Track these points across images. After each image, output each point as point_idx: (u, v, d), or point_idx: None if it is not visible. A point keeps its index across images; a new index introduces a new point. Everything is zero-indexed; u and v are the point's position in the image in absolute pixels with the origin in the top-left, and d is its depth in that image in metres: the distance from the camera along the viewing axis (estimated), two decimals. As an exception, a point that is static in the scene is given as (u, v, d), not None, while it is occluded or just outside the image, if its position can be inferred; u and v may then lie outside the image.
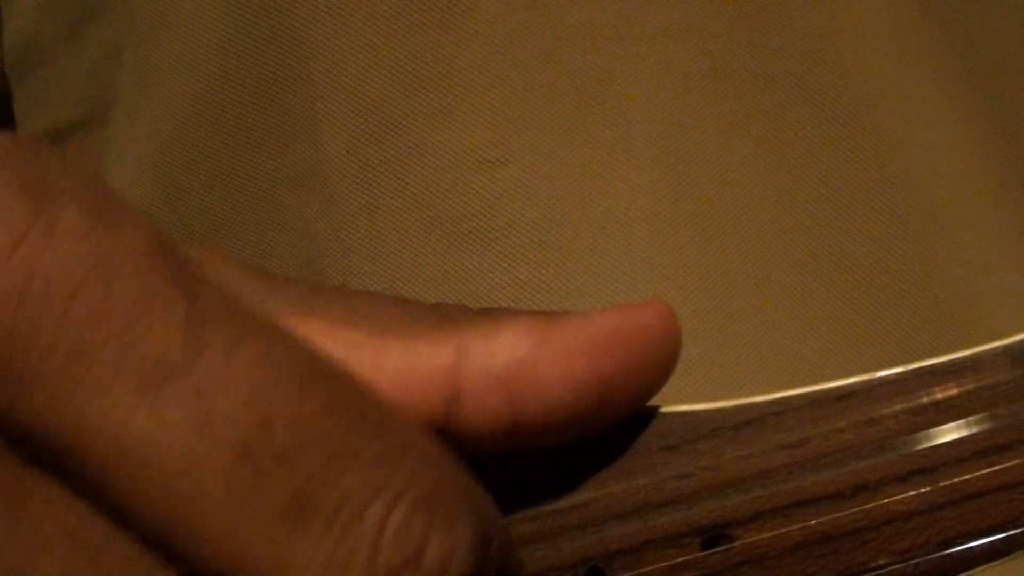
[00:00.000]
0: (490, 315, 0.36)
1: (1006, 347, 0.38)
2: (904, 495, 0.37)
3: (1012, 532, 0.37)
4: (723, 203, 0.47)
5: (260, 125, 0.48)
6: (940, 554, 0.37)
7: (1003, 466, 0.37)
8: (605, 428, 0.37)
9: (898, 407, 0.37)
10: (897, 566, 0.37)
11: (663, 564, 0.37)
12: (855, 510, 0.37)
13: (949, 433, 0.37)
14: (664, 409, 0.38)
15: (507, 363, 0.36)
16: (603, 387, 0.36)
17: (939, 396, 0.37)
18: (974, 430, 0.37)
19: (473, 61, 0.47)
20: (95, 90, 0.51)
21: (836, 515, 0.37)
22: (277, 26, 0.47)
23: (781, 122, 0.48)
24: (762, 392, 0.38)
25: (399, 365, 0.35)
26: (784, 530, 0.37)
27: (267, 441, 0.30)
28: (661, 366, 0.37)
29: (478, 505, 0.33)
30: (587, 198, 0.47)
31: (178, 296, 0.30)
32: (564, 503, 0.38)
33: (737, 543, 0.37)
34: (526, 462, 0.38)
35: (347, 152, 0.47)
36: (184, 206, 0.49)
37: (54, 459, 0.29)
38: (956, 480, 0.37)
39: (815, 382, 0.38)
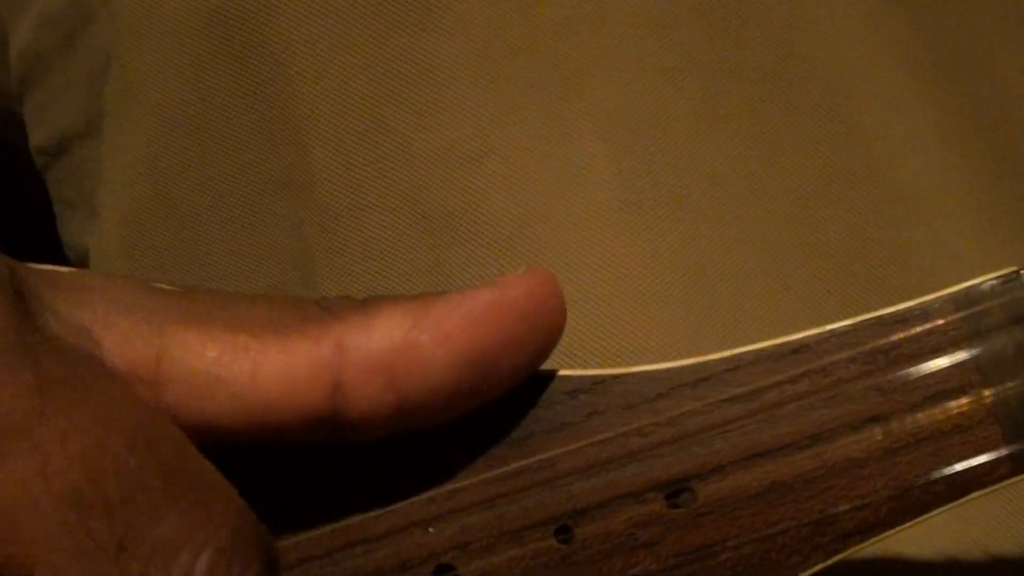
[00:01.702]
0: (367, 304, 0.38)
1: (951, 295, 0.39)
2: (859, 442, 0.38)
3: (968, 473, 0.38)
4: (699, 194, 0.47)
5: (246, 129, 0.49)
6: (898, 497, 0.38)
7: (955, 409, 0.38)
8: (502, 395, 0.38)
9: (849, 355, 0.38)
10: (858, 512, 0.38)
11: (628, 519, 0.38)
12: (812, 459, 0.38)
13: (900, 379, 0.38)
14: (622, 371, 0.39)
15: (385, 349, 0.37)
16: (484, 362, 0.38)
17: (889, 343, 0.38)
18: (924, 375, 0.38)
19: (453, 58, 0.48)
20: (91, 99, 0.53)
21: (794, 464, 0.38)
22: (259, 30, 0.48)
23: (755, 113, 0.48)
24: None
25: (280, 364, 0.37)
26: (744, 481, 0.38)
27: (96, 491, 0.34)
28: (544, 333, 0.38)
29: (267, 547, 0.36)
30: (567, 190, 0.47)
31: (24, 363, 0.35)
32: (528, 462, 0.39)
33: (699, 496, 0.38)
34: (485, 424, 0.39)
35: (332, 153, 0.48)
36: (175, 210, 0.50)
37: None
38: (909, 425, 0.38)
39: (752, 344, 0.39)
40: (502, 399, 0.39)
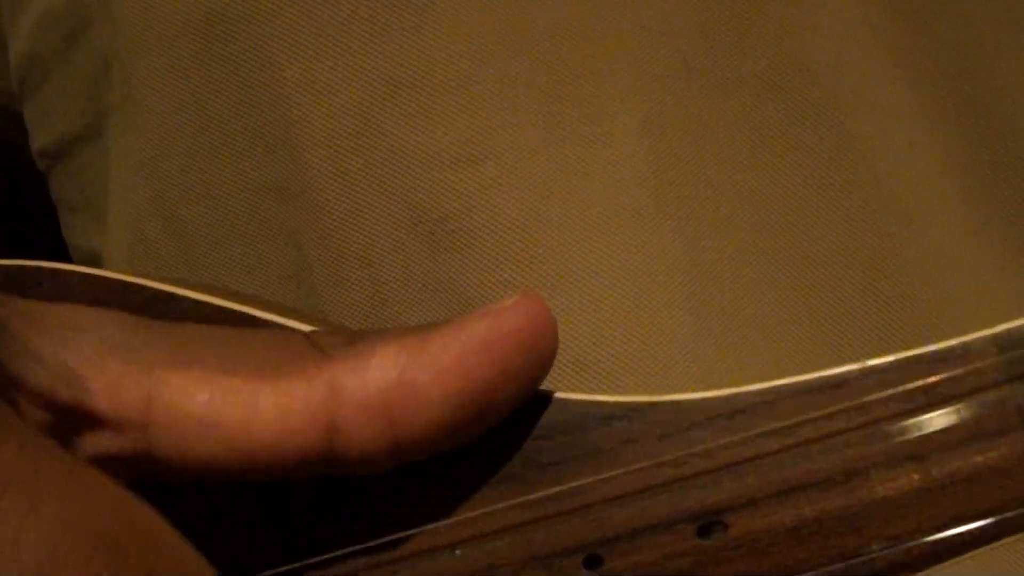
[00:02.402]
0: (361, 341, 0.37)
1: (994, 335, 0.38)
2: (895, 481, 0.38)
3: (1002, 517, 0.38)
4: (698, 200, 0.47)
5: (241, 136, 0.48)
6: (931, 539, 0.38)
7: (993, 452, 0.38)
8: (495, 423, 0.38)
9: (888, 394, 0.38)
10: (889, 551, 0.37)
11: (659, 549, 0.38)
12: (847, 496, 0.38)
13: (939, 420, 0.38)
14: (657, 398, 0.39)
15: (380, 389, 0.37)
16: (480, 396, 0.37)
17: (929, 383, 0.38)
18: (964, 416, 0.38)
19: (448, 61, 0.47)
20: (91, 103, 0.52)
21: (828, 501, 0.38)
22: (253, 35, 0.48)
23: (753, 121, 0.48)
24: (748, 383, 0.39)
25: (273, 407, 0.36)
26: (777, 516, 0.38)
27: None
28: (537, 362, 0.38)
29: None
30: (565, 195, 0.47)
31: None
32: (561, 489, 0.38)
33: (731, 529, 0.38)
34: (517, 448, 0.39)
35: (327, 159, 0.48)
36: (173, 217, 0.50)
37: None
38: (947, 466, 0.38)
39: (791, 377, 0.39)
40: (532, 421, 0.38)
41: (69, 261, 0.54)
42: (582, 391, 0.39)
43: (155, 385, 0.36)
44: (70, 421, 0.36)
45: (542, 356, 0.38)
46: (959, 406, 0.38)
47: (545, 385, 0.39)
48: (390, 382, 0.37)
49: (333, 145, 0.47)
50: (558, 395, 0.39)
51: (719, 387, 0.39)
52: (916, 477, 0.38)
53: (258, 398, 0.36)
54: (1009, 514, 0.38)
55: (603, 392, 0.40)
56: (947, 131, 0.49)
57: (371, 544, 0.38)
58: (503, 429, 0.38)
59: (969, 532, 0.37)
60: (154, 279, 0.41)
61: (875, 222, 0.48)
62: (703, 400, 0.39)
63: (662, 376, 0.46)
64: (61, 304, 0.37)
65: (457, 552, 0.38)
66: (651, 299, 0.47)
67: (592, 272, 0.47)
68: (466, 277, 0.47)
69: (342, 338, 0.38)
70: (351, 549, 0.38)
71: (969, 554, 0.38)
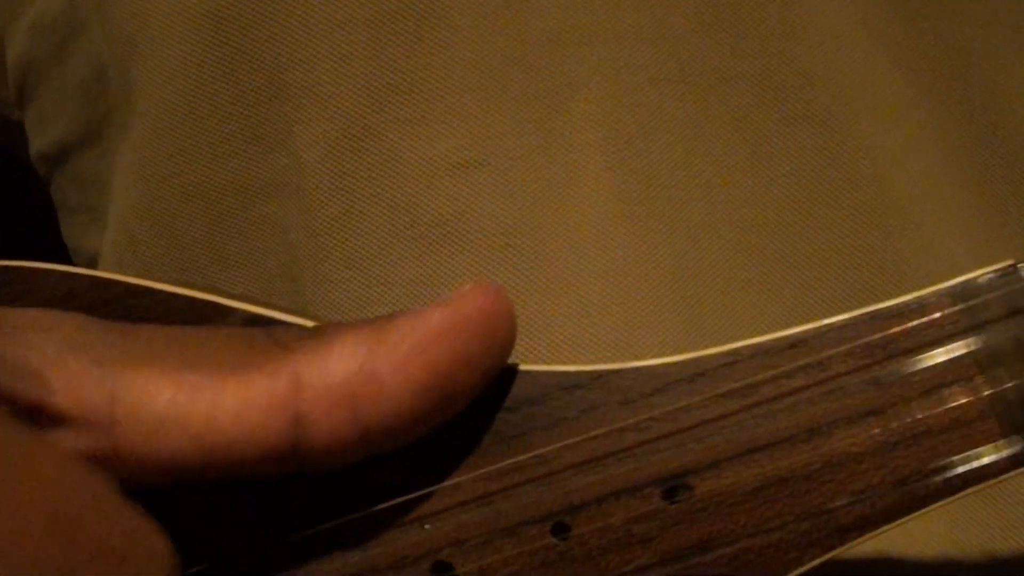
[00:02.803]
0: (321, 335, 0.38)
1: (948, 288, 0.38)
2: (856, 436, 0.38)
3: (965, 467, 0.38)
4: (693, 204, 0.47)
5: (237, 136, 0.49)
6: (896, 492, 0.38)
7: (952, 403, 0.38)
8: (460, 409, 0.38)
9: (846, 349, 0.38)
10: (855, 506, 0.38)
11: (625, 514, 0.38)
12: (809, 453, 0.38)
13: (897, 373, 0.38)
14: (619, 366, 0.39)
15: (342, 380, 0.37)
16: (442, 382, 0.37)
17: (886, 336, 0.38)
18: (921, 369, 0.38)
19: (445, 68, 0.47)
20: (87, 107, 0.52)
21: (791, 459, 0.38)
22: (252, 38, 0.48)
23: (748, 123, 0.48)
24: None
25: (236, 401, 0.37)
26: (741, 476, 0.38)
27: None
28: (497, 347, 0.38)
29: None
30: (559, 200, 0.47)
31: None
32: (525, 458, 0.39)
33: (696, 491, 0.38)
34: (481, 420, 0.39)
35: (323, 160, 0.48)
36: (162, 216, 0.50)
37: None
38: (906, 419, 0.38)
39: (750, 339, 0.39)
40: (496, 394, 0.39)
41: (67, 262, 0.55)
42: (529, 363, 0.40)
43: (118, 383, 0.37)
44: (33, 420, 0.36)
45: (500, 341, 0.38)
46: (916, 359, 0.38)
47: None
48: (351, 372, 0.37)
49: (330, 146, 0.48)
50: (521, 367, 0.39)
51: None
52: (877, 431, 0.38)
53: (221, 393, 0.37)
54: (972, 464, 0.38)
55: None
56: (945, 129, 0.49)
57: (339, 522, 0.39)
58: (469, 403, 0.39)
59: (933, 483, 0.38)
60: (128, 275, 0.41)
61: (871, 221, 0.48)
62: (664, 365, 0.39)
63: None
64: (23, 308, 0.38)
65: (426, 526, 0.38)
66: (643, 302, 0.47)
67: (584, 277, 0.47)
68: (454, 281, 0.47)
69: (303, 332, 0.38)
70: (320, 527, 0.39)
71: (933, 506, 0.38)
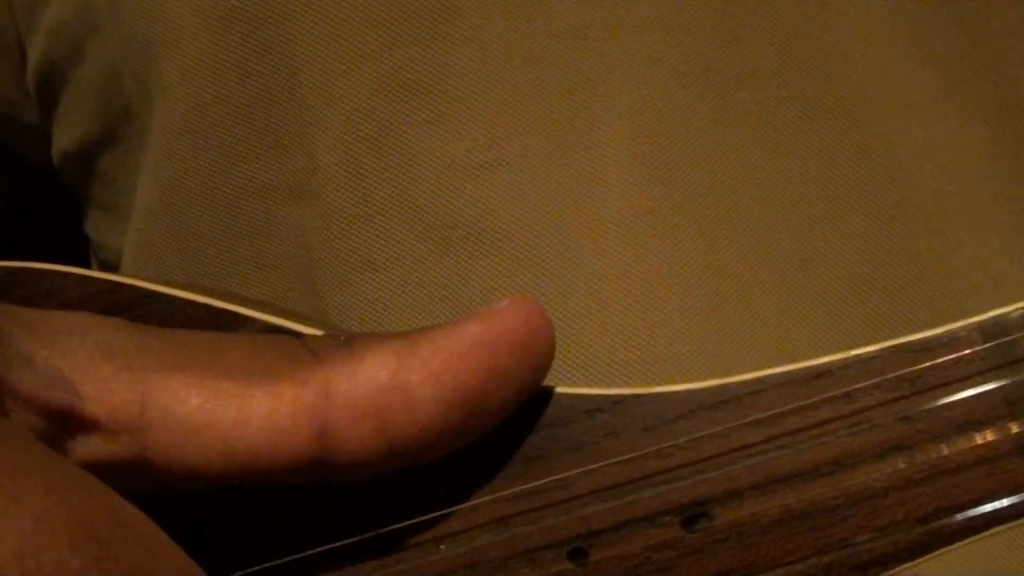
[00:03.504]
0: (353, 344, 0.37)
1: (979, 324, 0.38)
2: (881, 471, 0.37)
3: (989, 506, 0.37)
4: (713, 200, 0.47)
5: (253, 137, 0.49)
6: (919, 529, 0.37)
7: (980, 441, 0.37)
8: (492, 429, 0.38)
9: (873, 383, 0.38)
10: (877, 542, 0.37)
11: (643, 542, 0.38)
12: (833, 486, 0.37)
13: (925, 408, 0.38)
14: (642, 391, 0.39)
15: (372, 392, 0.37)
16: (473, 399, 0.37)
17: (914, 371, 0.38)
18: (949, 405, 0.38)
19: (462, 67, 0.47)
20: (104, 107, 0.52)
21: (814, 492, 0.37)
22: (267, 39, 0.48)
23: (770, 119, 0.48)
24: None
25: (265, 410, 0.37)
26: (763, 507, 0.37)
27: None
28: (531, 364, 0.38)
29: None
30: (580, 199, 0.47)
31: None
32: (544, 482, 0.38)
33: (716, 521, 0.38)
34: (501, 442, 0.38)
35: (340, 162, 0.48)
36: (178, 219, 0.50)
37: None
38: (933, 455, 0.37)
39: (775, 367, 0.38)
40: (519, 417, 0.38)
41: (70, 263, 0.54)
42: (553, 385, 0.39)
43: (148, 389, 0.36)
44: (64, 426, 0.36)
45: (537, 358, 0.38)
46: (945, 394, 0.38)
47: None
48: (381, 384, 0.37)
49: (348, 147, 0.47)
50: (543, 388, 0.39)
51: None
52: (902, 467, 0.37)
53: (250, 401, 0.37)
54: (997, 504, 0.37)
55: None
56: (973, 126, 0.49)
57: (356, 540, 0.38)
58: None
59: (956, 522, 0.37)
60: (145, 280, 0.41)
61: (893, 220, 0.48)
62: (687, 392, 0.38)
63: (675, 380, 0.46)
64: (54, 310, 0.38)
65: (441, 547, 0.38)
66: (666, 301, 0.47)
67: (606, 276, 0.47)
68: (474, 283, 0.47)
69: (334, 341, 0.38)
70: (336, 545, 0.38)
71: (957, 544, 0.37)
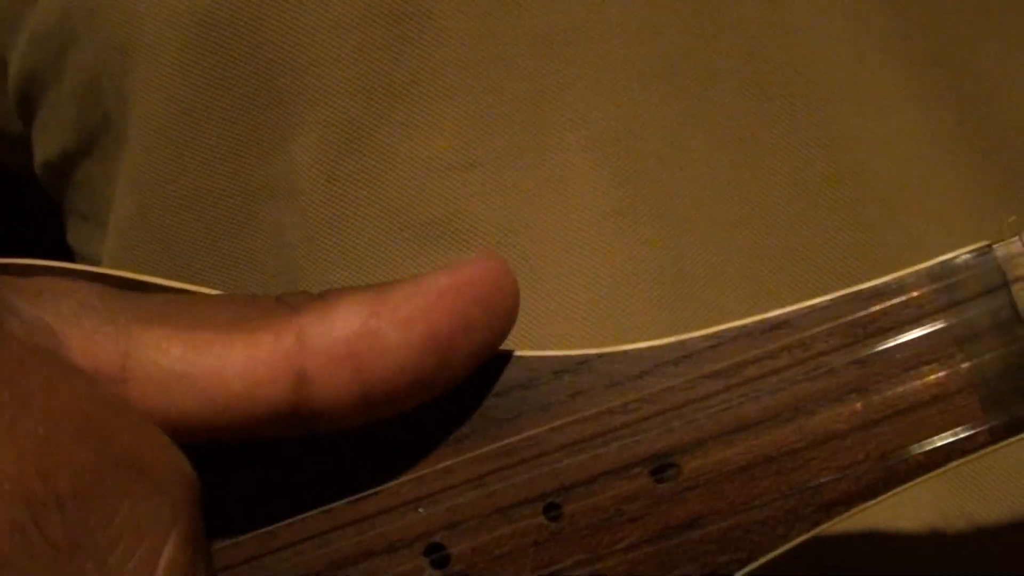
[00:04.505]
0: (326, 296, 0.39)
1: (926, 268, 0.39)
2: (840, 414, 0.39)
3: (945, 442, 0.38)
4: (681, 200, 0.48)
5: (232, 140, 0.50)
6: (879, 467, 0.38)
7: (933, 380, 0.39)
8: (459, 382, 0.39)
9: (828, 328, 0.39)
10: (839, 482, 0.38)
11: (614, 494, 0.39)
12: (794, 431, 0.39)
13: (878, 351, 0.39)
14: (606, 350, 0.40)
15: (346, 338, 0.38)
16: (442, 345, 0.38)
17: (866, 315, 0.39)
18: (902, 346, 0.39)
19: (435, 70, 0.48)
20: (84, 116, 0.53)
21: (776, 437, 0.39)
22: (243, 44, 0.49)
23: (733, 119, 0.49)
24: None
25: (243, 358, 0.38)
26: (728, 455, 0.39)
27: (47, 489, 0.34)
28: (498, 316, 0.39)
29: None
30: (550, 199, 0.48)
31: None
32: (514, 440, 0.39)
33: (683, 470, 0.39)
34: (471, 404, 0.40)
35: (317, 162, 0.49)
36: (157, 224, 0.51)
37: None
38: (889, 396, 0.39)
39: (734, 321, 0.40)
40: (487, 379, 0.39)
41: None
42: (519, 349, 0.40)
43: (131, 342, 0.37)
44: None
45: (501, 309, 0.39)
46: (897, 337, 0.39)
47: None
48: (354, 331, 0.38)
49: (325, 149, 0.49)
50: (509, 352, 0.40)
51: None
52: (859, 408, 0.39)
53: (229, 349, 0.38)
54: (952, 438, 0.38)
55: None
56: (934, 120, 0.50)
57: (334, 505, 0.39)
58: (460, 388, 0.39)
59: (914, 458, 0.38)
60: (130, 272, 0.42)
61: (857, 214, 0.49)
62: (650, 348, 0.40)
63: None
64: (38, 276, 0.39)
65: (420, 510, 0.39)
66: (631, 299, 0.48)
67: (575, 274, 0.48)
68: None
69: (308, 295, 0.39)
70: (314, 511, 0.39)
71: (916, 481, 0.39)
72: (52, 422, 0.34)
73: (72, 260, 0.58)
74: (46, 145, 0.55)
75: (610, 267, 0.48)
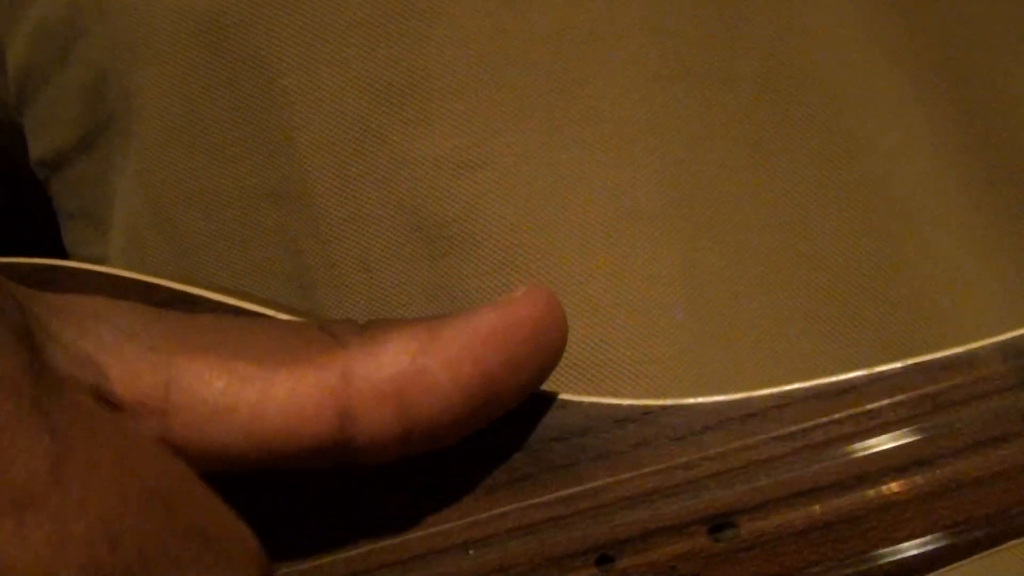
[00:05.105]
0: (372, 329, 0.38)
1: (1000, 343, 0.39)
2: (902, 485, 0.38)
3: (1005, 522, 0.38)
4: (695, 202, 0.48)
5: (239, 142, 0.49)
6: (937, 543, 0.38)
7: (996, 457, 0.38)
8: (501, 417, 0.39)
9: (896, 400, 0.39)
10: (896, 555, 0.38)
11: (670, 551, 0.38)
12: (855, 499, 0.38)
13: (945, 426, 0.39)
14: (670, 402, 0.39)
15: (393, 376, 0.37)
16: (490, 385, 0.38)
17: (936, 390, 0.39)
18: (968, 422, 0.39)
19: (446, 67, 0.48)
20: (86, 113, 0.52)
21: (837, 504, 0.38)
22: (251, 44, 0.48)
23: (750, 123, 0.48)
24: (747, 384, 0.40)
25: (286, 393, 0.37)
26: (787, 518, 0.38)
27: (115, 557, 0.33)
28: (546, 354, 0.39)
29: None
30: (564, 199, 0.47)
31: (41, 428, 0.33)
32: (574, 490, 0.39)
33: (742, 530, 0.38)
34: (531, 450, 0.39)
35: (327, 164, 0.48)
36: (169, 225, 0.50)
37: None
38: (951, 471, 0.38)
39: (789, 380, 0.39)
40: (547, 423, 0.39)
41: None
42: (582, 395, 0.40)
43: (173, 371, 0.37)
44: None
45: (550, 347, 0.39)
46: (964, 412, 0.39)
47: (556, 389, 0.40)
48: (402, 369, 0.37)
49: (334, 150, 0.48)
50: (572, 398, 0.39)
51: (719, 388, 0.40)
52: (921, 481, 0.38)
53: (273, 384, 0.37)
54: (1013, 519, 0.38)
55: (608, 396, 0.40)
56: (945, 129, 0.50)
57: (384, 542, 0.38)
58: (518, 431, 0.39)
59: (974, 536, 0.38)
60: (176, 282, 0.41)
61: (873, 222, 0.49)
62: (715, 404, 0.39)
63: (661, 379, 0.47)
64: (79, 295, 0.38)
65: (471, 552, 0.38)
66: (650, 302, 0.47)
67: (590, 276, 0.47)
68: (465, 282, 0.47)
69: (354, 327, 0.38)
70: (365, 548, 0.39)
71: (974, 557, 0.38)
72: (121, 489, 0.34)
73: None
74: (41, 139, 0.54)
75: (627, 269, 0.47)
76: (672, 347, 0.47)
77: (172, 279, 0.49)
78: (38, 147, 0.54)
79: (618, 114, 0.48)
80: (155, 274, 0.50)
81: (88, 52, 0.51)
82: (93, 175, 0.53)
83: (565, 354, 0.46)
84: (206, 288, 0.41)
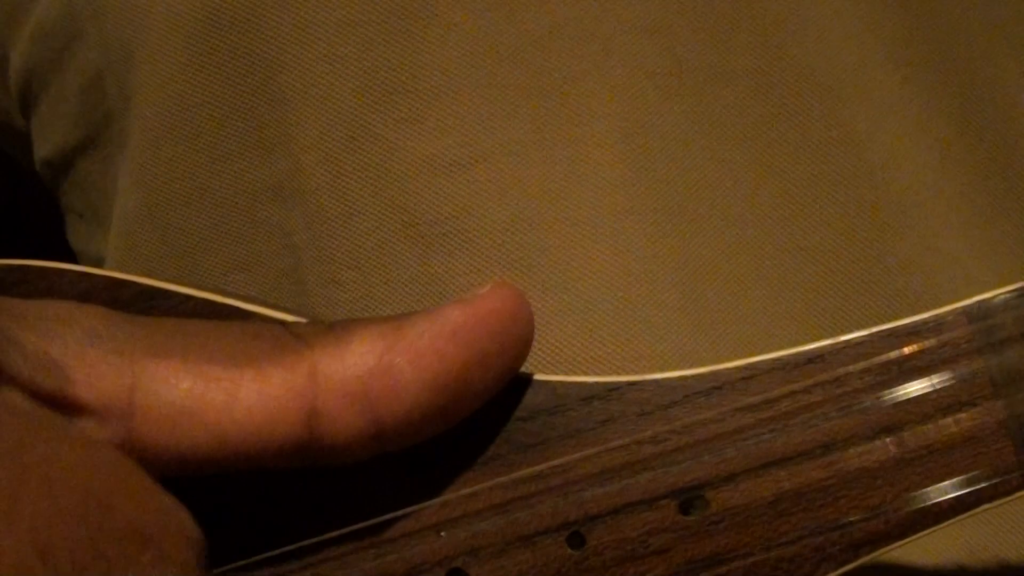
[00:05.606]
0: (339, 329, 0.38)
1: (965, 308, 0.39)
2: (871, 452, 0.38)
3: (977, 486, 0.38)
4: (691, 198, 0.48)
5: (235, 140, 0.49)
6: (908, 509, 0.38)
7: (966, 422, 0.38)
8: (474, 411, 0.39)
9: (863, 367, 0.39)
10: (867, 522, 0.38)
11: (640, 526, 0.38)
12: (824, 468, 0.38)
13: (913, 391, 0.38)
14: (637, 378, 0.39)
15: (359, 375, 0.37)
16: (457, 380, 0.38)
17: (902, 355, 0.39)
18: (937, 387, 0.38)
19: (440, 66, 0.48)
20: (86, 113, 0.52)
21: (806, 474, 0.38)
22: (246, 42, 0.48)
23: (746, 118, 0.48)
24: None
25: (253, 394, 0.37)
26: (757, 490, 0.38)
27: (46, 569, 0.32)
28: (514, 348, 0.39)
29: None
30: (557, 197, 0.48)
31: None
32: (542, 467, 0.39)
33: (712, 504, 0.38)
34: (498, 430, 0.39)
35: (322, 162, 0.48)
36: (163, 221, 0.50)
37: None
38: (921, 436, 0.38)
39: (767, 353, 0.39)
40: (514, 403, 0.39)
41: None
42: (549, 375, 0.40)
43: (138, 374, 0.37)
44: (54, 410, 0.36)
45: (517, 342, 0.39)
46: (932, 377, 0.38)
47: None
48: (369, 367, 0.37)
49: (327, 148, 0.48)
50: (539, 377, 0.39)
51: None
52: (892, 448, 0.38)
53: (239, 385, 0.37)
54: (984, 483, 0.38)
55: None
56: (941, 124, 0.50)
57: (356, 527, 0.39)
58: (485, 411, 0.39)
59: (945, 501, 0.38)
60: (145, 277, 0.41)
61: (868, 215, 0.49)
62: (681, 378, 0.39)
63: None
64: (44, 299, 0.38)
65: (442, 534, 0.39)
66: (643, 298, 0.47)
67: (583, 273, 0.47)
68: (456, 279, 0.47)
69: (321, 327, 0.38)
70: (336, 533, 0.39)
71: (946, 523, 0.38)
72: (51, 499, 0.33)
73: (73, 260, 0.58)
74: (46, 141, 0.54)
75: (621, 266, 0.47)
76: (665, 344, 0.47)
77: (165, 275, 0.50)
78: (43, 148, 0.55)
79: (611, 111, 0.48)
80: (148, 270, 0.50)
81: (85, 53, 0.52)
82: (96, 174, 0.53)
83: (559, 350, 0.47)
84: (174, 283, 0.41)
